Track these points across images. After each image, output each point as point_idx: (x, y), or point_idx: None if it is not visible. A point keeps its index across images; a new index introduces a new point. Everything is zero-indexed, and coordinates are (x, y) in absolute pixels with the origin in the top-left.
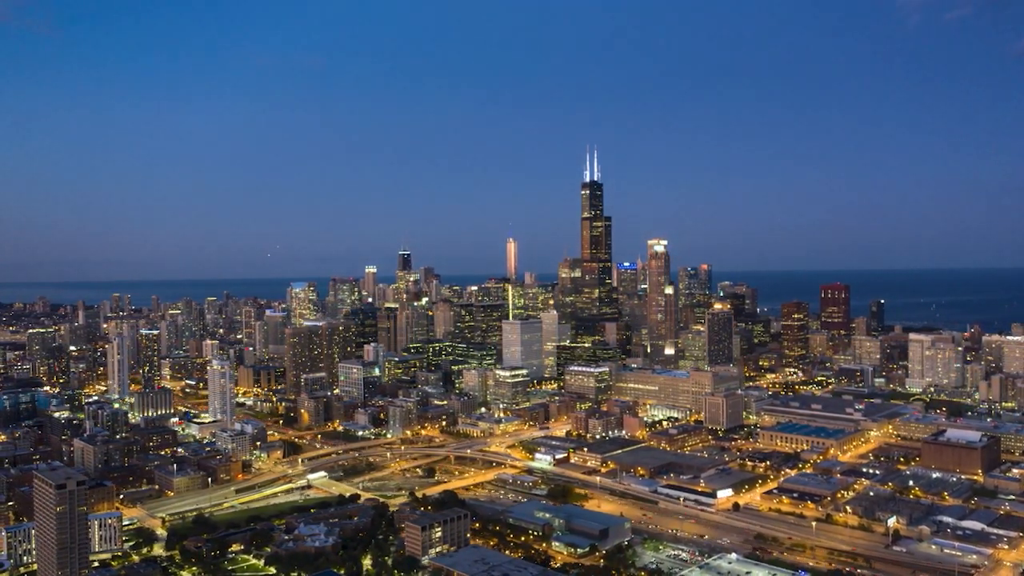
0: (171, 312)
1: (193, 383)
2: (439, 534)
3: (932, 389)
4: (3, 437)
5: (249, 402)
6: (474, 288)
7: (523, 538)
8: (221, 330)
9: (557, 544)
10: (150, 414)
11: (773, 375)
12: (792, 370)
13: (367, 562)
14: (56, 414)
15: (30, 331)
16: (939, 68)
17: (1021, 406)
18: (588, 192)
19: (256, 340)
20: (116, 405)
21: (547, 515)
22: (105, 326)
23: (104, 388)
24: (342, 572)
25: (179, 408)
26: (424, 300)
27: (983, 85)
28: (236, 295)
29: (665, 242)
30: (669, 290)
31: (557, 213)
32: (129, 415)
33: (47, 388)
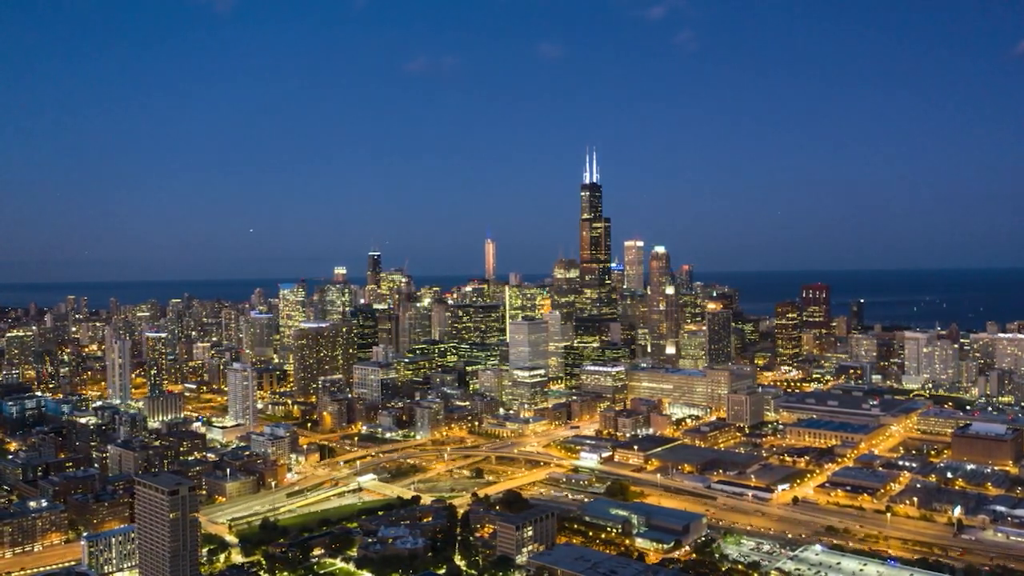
0: (139, 314)
1: (193, 386)
2: (530, 533)
3: (930, 385)
4: (14, 445)
5: (259, 405)
6: (468, 289)
7: (603, 535)
8: (193, 332)
9: (641, 540)
10: (164, 418)
11: (770, 373)
12: (787, 368)
13: (461, 562)
14: (83, 420)
15: (8, 335)
16: (918, 73)
17: (1019, 400)
18: (588, 194)
19: (244, 342)
20: (122, 409)
21: (624, 512)
22: (74, 328)
23: (98, 392)
24: (441, 573)
25: (186, 412)
26: (427, 301)
27: (964, 89)
28: (198, 297)
29: (642, 243)
30: (670, 290)
31: (541, 214)
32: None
33: (39, 393)
